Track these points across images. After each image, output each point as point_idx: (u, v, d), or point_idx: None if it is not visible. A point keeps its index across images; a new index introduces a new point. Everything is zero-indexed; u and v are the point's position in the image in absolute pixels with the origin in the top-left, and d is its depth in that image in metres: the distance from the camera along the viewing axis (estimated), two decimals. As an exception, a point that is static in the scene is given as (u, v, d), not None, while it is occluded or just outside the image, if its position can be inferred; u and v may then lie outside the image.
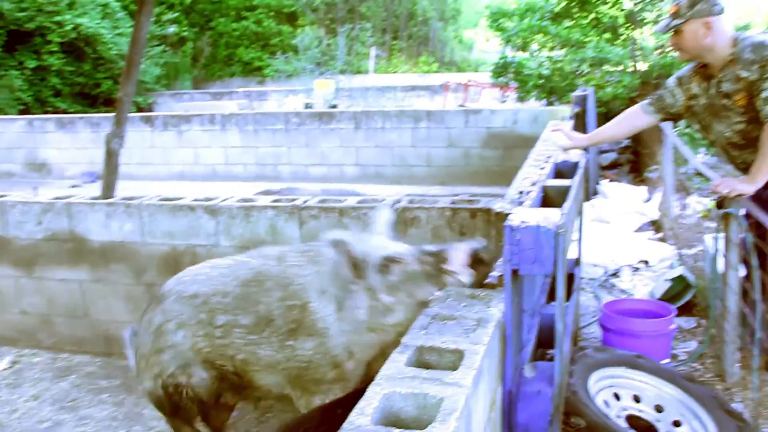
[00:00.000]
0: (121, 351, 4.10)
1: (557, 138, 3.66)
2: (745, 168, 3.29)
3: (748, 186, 3.06)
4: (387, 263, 2.26)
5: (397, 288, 2.26)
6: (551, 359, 3.03)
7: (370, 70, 24.38)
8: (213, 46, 27.56)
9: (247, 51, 27.09)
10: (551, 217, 1.98)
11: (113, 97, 16.27)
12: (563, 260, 1.98)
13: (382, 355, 2.39)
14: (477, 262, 2.20)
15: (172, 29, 22.17)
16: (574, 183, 2.60)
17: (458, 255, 2.21)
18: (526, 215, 2.00)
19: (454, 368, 1.61)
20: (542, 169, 3.01)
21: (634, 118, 3.59)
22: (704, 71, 3.28)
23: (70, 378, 4.00)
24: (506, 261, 1.96)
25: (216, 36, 27.49)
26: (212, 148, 11.31)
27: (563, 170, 3.02)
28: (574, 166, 2.97)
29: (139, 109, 17.33)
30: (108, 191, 4.35)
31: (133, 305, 4.05)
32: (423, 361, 1.70)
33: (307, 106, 15.72)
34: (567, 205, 2.18)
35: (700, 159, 8.57)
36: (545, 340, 2.57)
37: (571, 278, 3.10)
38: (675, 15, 3.18)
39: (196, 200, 3.83)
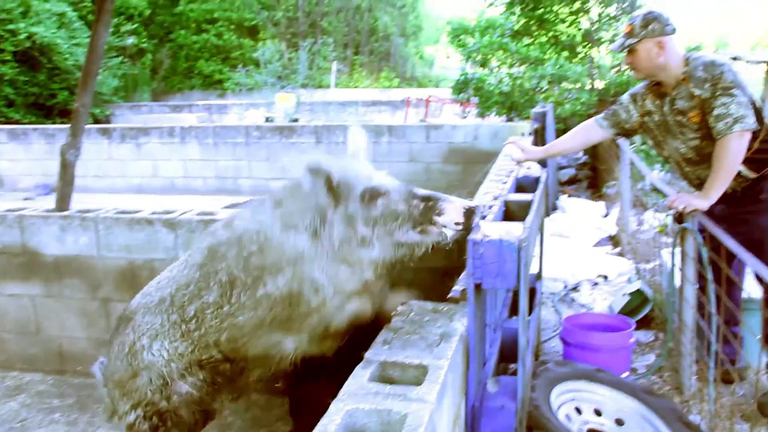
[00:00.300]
0: (75, 368, 4.02)
1: (510, 150, 3.70)
2: (699, 183, 3.37)
3: (703, 201, 3.13)
4: (371, 194, 2.14)
5: (377, 222, 2.13)
6: (513, 373, 3.04)
7: (332, 85, 24.42)
8: (173, 58, 27.33)
9: (207, 64, 26.93)
10: (514, 231, 1.99)
11: (69, 108, 15.98)
12: (526, 274, 1.99)
13: (367, 291, 2.27)
14: (467, 221, 2.10)
15: (130, 40, 21.89)
16: (536, 197, 2.61)
17: (452, 208, 2.11)
18: (489, 229, 2.00)
19: (418, 383, 1.59)
20: (504, 183, 3.03)
21: (589, 132, 3.65)
22: (658, 89, 3.36)
23: (19, 397, 3.86)
24: (469, 275, 1.95)
25: (176, 48, 27.27)
26: (171, 161, 11.17)
27: (524, 185, 3.05)
28: (536, 180, 2.99)
29: (96, 121, 17.03)
30: (63, 204, 4.23)
31: (88, 321, 3.94)
32: (386, 376, 1.68)
33: (268, 119, 15.62)
34: (529, 219, 2.19)
35: (655, 175, 8.77)
36: (507, 354, 2.57)
37: (532, 292, 3.12)
38: (629, 35, 3.26)
39: (154, 213, 3.76)
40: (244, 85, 23.20)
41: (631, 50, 3.26)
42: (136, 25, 23.01)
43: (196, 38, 27.01)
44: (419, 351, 1.73)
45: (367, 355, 1.70)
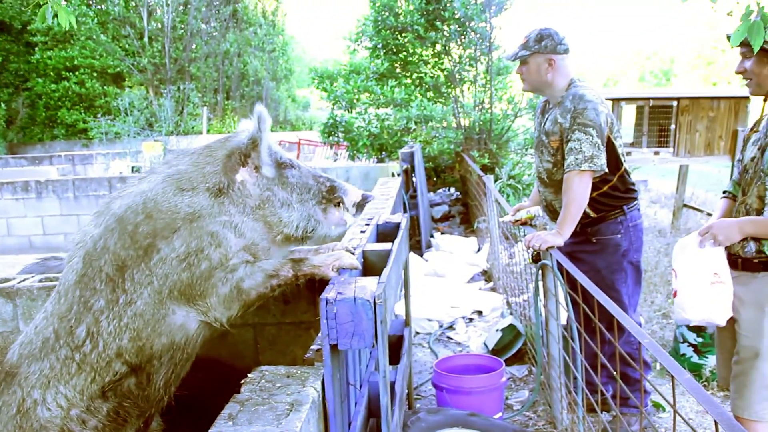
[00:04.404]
0: None
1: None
2: (546, 205, 3.53)
3: (557, 238, 3.20)
4: (284, 164, 2.27)
5: (293, 189, 2.25)
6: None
7: (204, 131, 23.88)
8: (31, 107, 25.86)
9: (69, 113, 25.70)
10: (369, 286, 1.90)
11: None
12: (384, 331, 1.90)
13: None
14: (360, 208, 2.34)
15: (-21, 90, 20.46)
16: (395, 246, 2.55)
17: (353, 190, 2.33)
18: (342, 287, 1.91)
19: (265, 464, 1.45)
20: (363, 232, 2.95)
21: None
22: (546, 104, 3.47)
23: None
24: (324, 336, 1.84)
25: (34, 97, 25.85)
26: (27, 218, 10.46)
27: (385, 232, 2.99)
28: (396, 227, 2.94)
29: (-59, 178, 15.68)
30: None
31: None
32: (231, 458, 1.53)
33: (135, 169, 15.01)
34: (386, 272, 2.12)
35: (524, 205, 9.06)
36: (375, 410, 2.46)
37: (400, 340, 3.05)
38: (523, 46, 3.36)
39: (-11, 283, 3.40)
40: (110, 133, 22.22)
41: (524, 61, 3.36)
42: (-15, 75, 21.63)
43: (56, 87, 25.71)
44: (266, 424, 1.59)
45: (208, 436, 1.54)
